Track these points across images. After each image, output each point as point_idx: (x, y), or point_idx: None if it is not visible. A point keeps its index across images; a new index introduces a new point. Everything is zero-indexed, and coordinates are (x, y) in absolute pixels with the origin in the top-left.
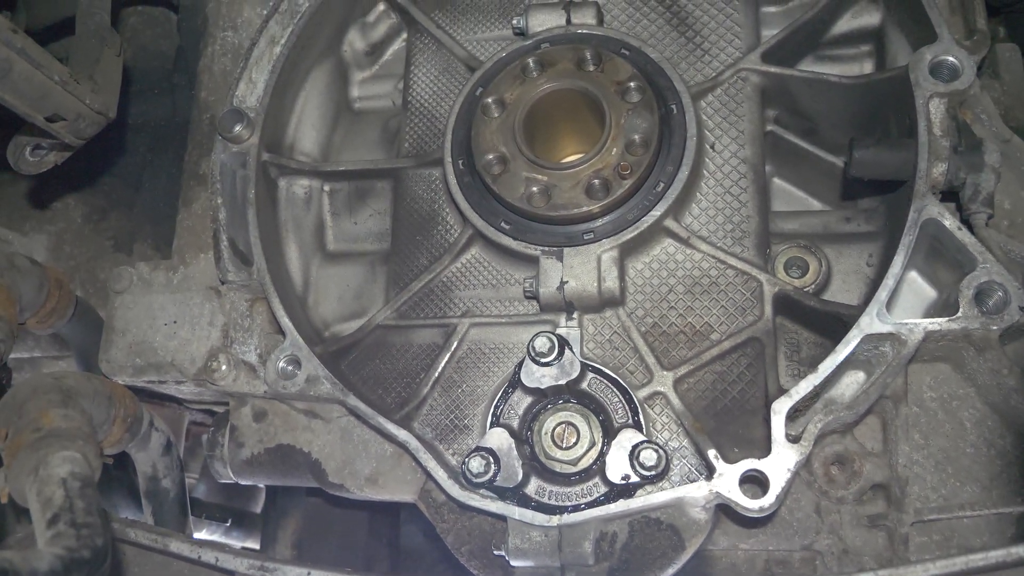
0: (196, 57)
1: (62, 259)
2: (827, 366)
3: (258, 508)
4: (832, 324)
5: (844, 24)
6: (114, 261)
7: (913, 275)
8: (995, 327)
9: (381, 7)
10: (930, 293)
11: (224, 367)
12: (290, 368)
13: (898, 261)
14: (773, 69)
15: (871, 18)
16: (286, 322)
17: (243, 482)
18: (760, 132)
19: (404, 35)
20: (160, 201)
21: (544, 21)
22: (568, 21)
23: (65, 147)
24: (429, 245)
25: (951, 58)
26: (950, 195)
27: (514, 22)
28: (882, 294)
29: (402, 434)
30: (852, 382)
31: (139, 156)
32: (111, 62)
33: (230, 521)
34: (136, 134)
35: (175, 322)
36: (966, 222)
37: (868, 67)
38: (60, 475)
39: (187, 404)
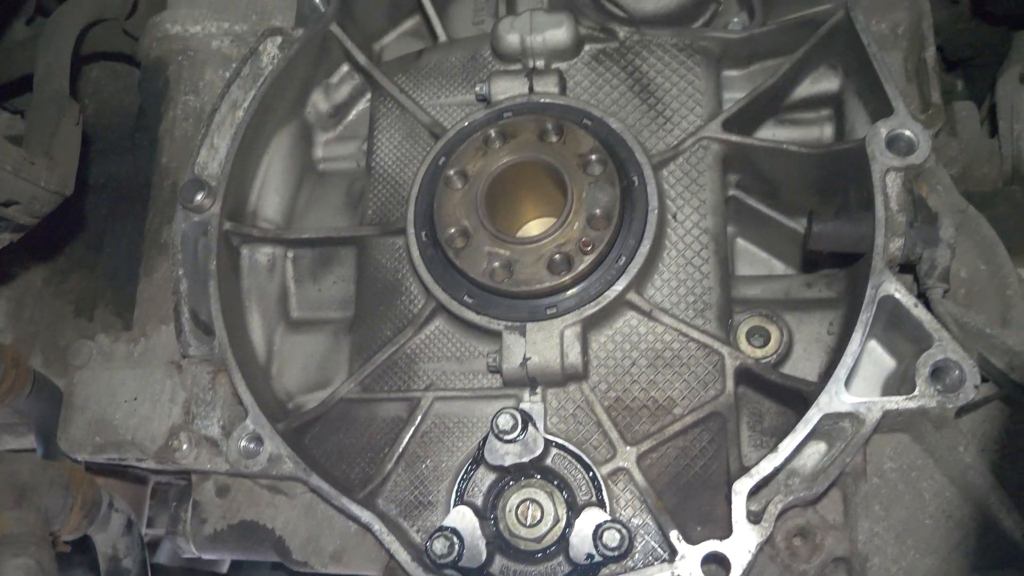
0: (157, 119)
1: (22, 324)
2: (787, 445)
3: (223, 571)
4: (794, 398)
5: (804, 89)
6: (75, 326)
7: (873, 344)
8: (951, 405)
9: (345, 68)
10: (890, 363)
11: (185, 446)
12: (252, 446)
13: (856, 339)
14: (733, 138)
15: (830, 84)
16: (248, 398)
17: (206, 557)
18: (721, 201)
19: (368, 96)
20: (122, 264)
21: (507, 88)
22: (531, 89)
23: (20, 226)
24: (393, 315)
25: (907, 132)
26: (909, 267)
27: (477, 89)
28: (840, 372)
29: (365, 515)
30: (814, 452)
31: (100, 217)
32: (69, 132)
33: None
34: (97, 194)
35: (136, 399)
36: (923, 296)
37: (828, 131)
38: None
39: (150, 472)
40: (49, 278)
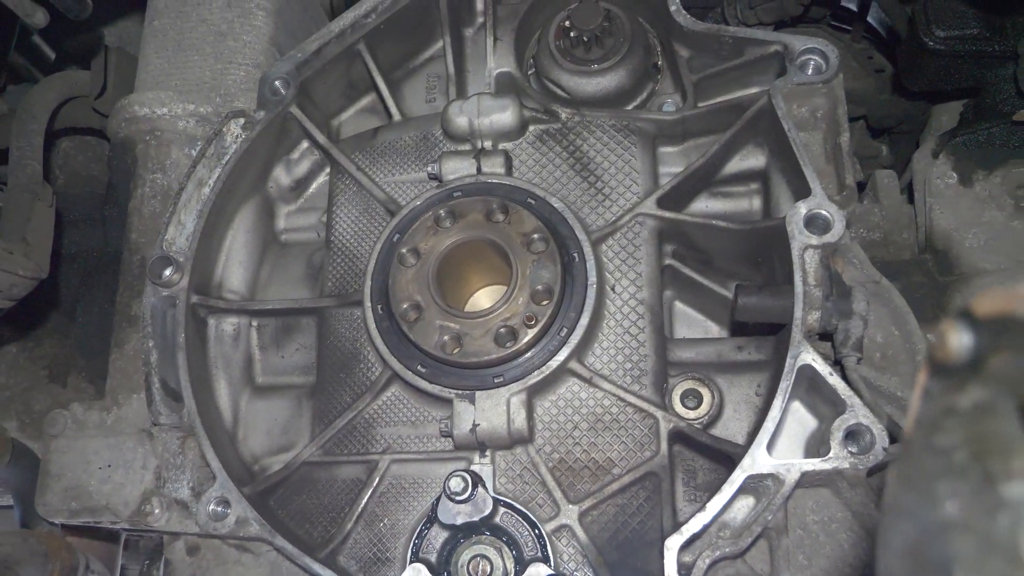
0: (126, 195)
1: None
2: (715, 505)
3: None
4: (723, 456)
5: (734, 165)
6: (48, 391)
7: (797, 405)
8: (862, 466)
9: (304, 144)
10: (813, 423)
11: (157, 510)
12: (220, 510)
13: (776, 405)
14: (667, 214)
15: (757, 161)
16: (216, 464)
17: None
18: (657, 272)
19: (327, 169)
20: (93, 332)
21: (456, 168)
22: (479, 169)
23: None
24: (352, 382)
25: (824, 212)
26: (827, 336)
27: (429, 168)
28: (762, 437)
29: (327, 573)
30: (743, 506)
31: (72, 286)
32: (43, 216)
33: None
34: (69, 264)
35: (109, 466)
36: (839, 363)
37: (757, 203)
38: None
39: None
40: (23, 344)
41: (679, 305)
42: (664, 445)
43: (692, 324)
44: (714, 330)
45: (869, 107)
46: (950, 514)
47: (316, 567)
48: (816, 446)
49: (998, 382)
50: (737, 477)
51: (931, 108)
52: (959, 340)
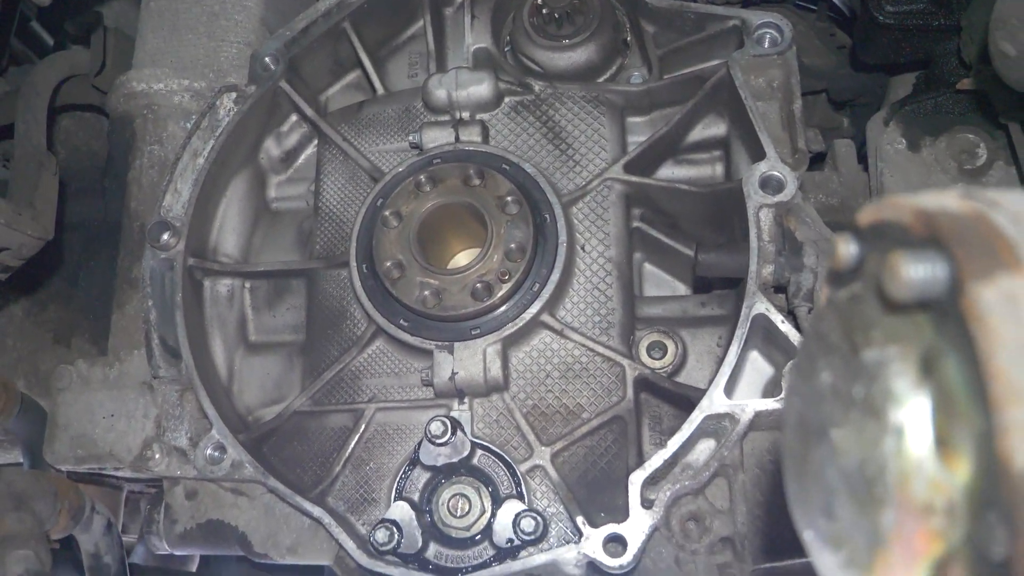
0: (125, 167)
1: (5, 352)
2: (675, 442)
3: (193, 568)
4: (685, 401)
5: (697, 133)
6: (53, 353)
7: (755, 354)
8: None
9: (294, 118)
10: (768, 370)
11: (157, 455)
12: (217, 454)
13: (732, 351)
14: (634, 179)
15: (719, 129)
16: (212, 413)
17: (178, 553)
18: (625, 232)
19: (315, 142)
20: (95, 296)
21: (436, 138)
22: (457, 138)
23: (7, 267)
24: (339, 338)
25: (777, 173)
26: (781, 289)
27: (410, 138)
28: (719, 379)
29: (316, 511)
30: (705, 448)
31: (75, 254)
32: (48, 184)
33: None
34: (72, 233)
35: (112, 416)
36: (792, 313)
37: (719, 169)
38: (17, 572)
39: (126, 480)
40: (29, 310)
41: (648, 267)
42: (630, 391)
43: (660, 284)
44: (681, 289)
45: (830, 81)
46: (824, 383)
47: (307, 505)
48: (771, 392)
49: (868, 277)
50: (696, 416)
51: (888, 80)
52: (847, 249)
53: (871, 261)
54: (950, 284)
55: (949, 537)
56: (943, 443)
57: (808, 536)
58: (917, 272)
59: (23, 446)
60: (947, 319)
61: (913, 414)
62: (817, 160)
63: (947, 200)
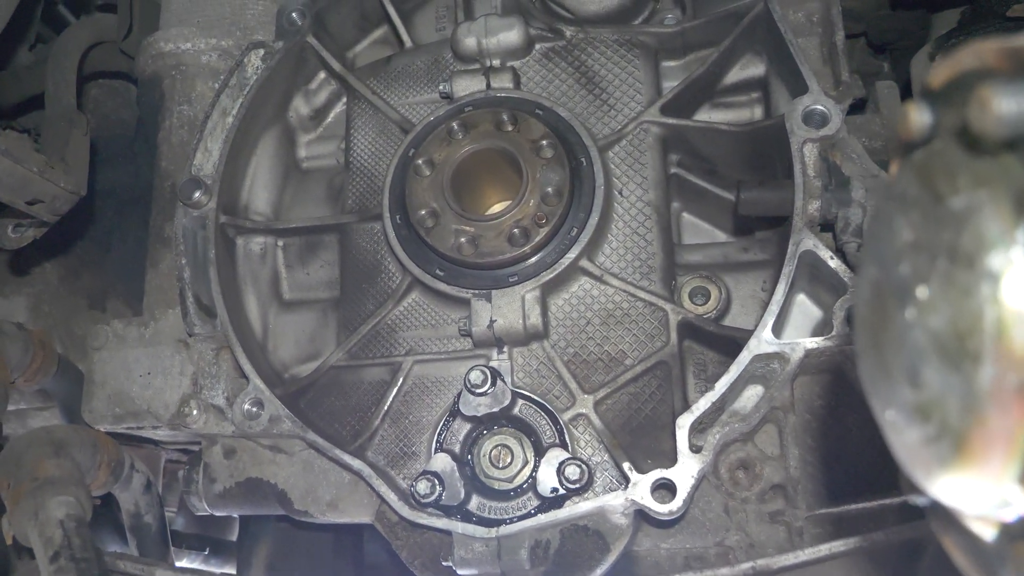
0: (155, 129)
1: (41, 318)
2: (722, 384)
3: (233, 536)
4: (730, 345)
5: (734, 75)
6: (89, 317)
7: (802, 297)
8: None
9: (322, 75)
10: (816, 312)
11: (195, 412)
12: (254, 410)
13: (780, 289)
14: (671, 120)
15: (757, 69)
16: (248, 368)
17: (217, 513)
18: (663, 177)
19: (344, 99)
20: (129, 261)
21: (467, 86)
22: (488, 85)
23: (43, 223)
24: (374, 292)
25: (820, 107)
26: (829, 226)
27: (440, 88)
28: (767, 319)
29: (356, 463)
30: (753, 395)
31: (107, 220)
32: (79, 142)
33: (208, 549)
34: (104, 200)
35: (149, 373)
36: (840, 250)
37: (758, 112)
38: (58, 517)
39: (163, 445)
40: (64, 276)
41: (686, 216)
42: (674, 335)
43: (699, 233)
44: (721, 238)
45: (869, 23)
46: (904, 240)
47: (346, 458)
48: (820, 331)
49: (947, 132)
50: (744, 358)
51: (931, 18)
52: (920, 117)
53: (948, 117)
54: None
55: None
56: None
57: (890, 415)
58: (1010, 106)
59: (61, 406)
60: None
61: (1009, 256)
62: (857, 107)
63: None
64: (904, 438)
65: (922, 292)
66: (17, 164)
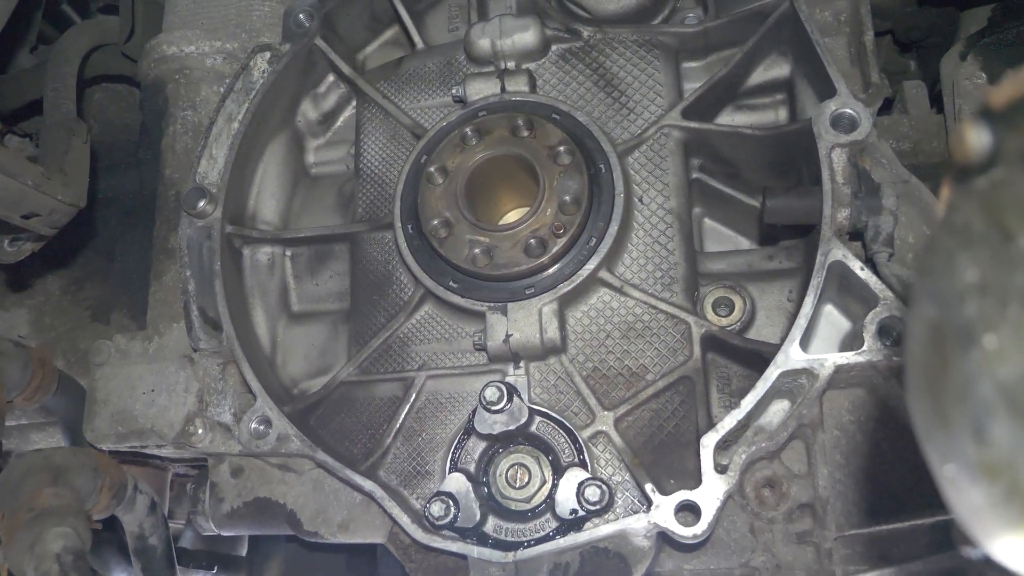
0: (159, 135)
1: (43, 330)
2: (748, 401)
3: (243, 551)
4: (756, 359)
5: (758, 76)
6: (92, 330)
7: (829, 308)
8: (897, 359)
9: (331, 78)
10: (845, 324)
11: (200, 430)
12: (262, 428)
13: (808, 302)
14: (693, 124)
15: (781, 70)
16: (256, 385)
17: (225, 533)
18: (685, 183)
19: (353, 103)
20: (132, 271)
21: (481, 89)
22: (503, 89)
23: (40, 237)
24: (386, 304)
25: (849, 111)
26: (858, 235)
27: (453, 91)
28: (795, 333)
29: (368, 484)
30: (779, 410)
31: (110, 229)
32: (79, 151)
33: (216, 568)
34: (106, 208)
35: (153, 391)
36: (870, 260)
37: (783, 114)
38: (54, 551)
39: (169, 461)
40: (66, 288)
41: (708, 222)
42: (697, 349)
43: (722, 240)
44: (744, 245)
45: (896, 20)
46: (969, 280)
47: (357, 479)
48: (849, 346)
49: (1012, 159)
50: (771, 373)
51: (959, 16)
52: (979, 138)
53: (1012, 141)
54: None
55: None
56: None
57: (949, 471)
58: None
59: (62, 424)
60: None
61: None
62: (882, 107)
63: None
64: (966, 497)
65: (990, 341)
66: (12, 179)
